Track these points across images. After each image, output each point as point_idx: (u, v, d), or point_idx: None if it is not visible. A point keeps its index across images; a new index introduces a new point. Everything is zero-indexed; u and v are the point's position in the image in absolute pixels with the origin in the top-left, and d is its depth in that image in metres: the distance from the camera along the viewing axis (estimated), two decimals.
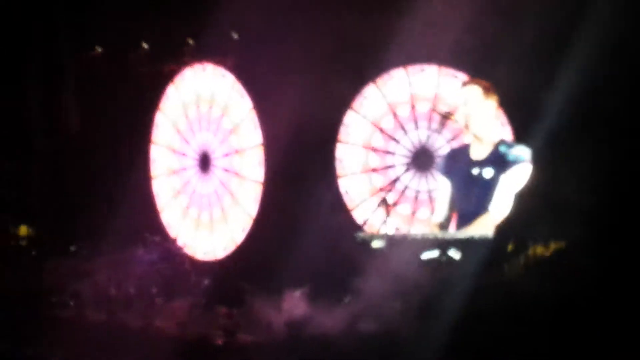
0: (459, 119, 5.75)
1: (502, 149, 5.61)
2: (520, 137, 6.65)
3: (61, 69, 10.37)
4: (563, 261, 5.03)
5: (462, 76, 7.55)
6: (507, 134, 7.10)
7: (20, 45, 9.97)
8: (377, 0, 7.90)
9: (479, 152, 5.68)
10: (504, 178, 5.48)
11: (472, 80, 5.89)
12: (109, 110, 9.94)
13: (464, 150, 5.84)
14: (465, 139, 6.02)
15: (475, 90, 5.69)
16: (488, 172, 5.58)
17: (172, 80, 9.70)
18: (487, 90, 5.70)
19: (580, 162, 6.09)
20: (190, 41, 9.37)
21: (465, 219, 5.59)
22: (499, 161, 5.56)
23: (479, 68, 7.24)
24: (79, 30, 9.89)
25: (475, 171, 5.63)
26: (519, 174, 5.49)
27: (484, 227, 5.40)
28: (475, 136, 5.68)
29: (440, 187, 5.90)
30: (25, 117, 10.32)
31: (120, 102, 9.81)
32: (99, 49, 9.96)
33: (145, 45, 9.64)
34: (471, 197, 5.60)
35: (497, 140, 5.67)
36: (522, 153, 5.55)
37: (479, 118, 5.65)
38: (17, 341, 6.65)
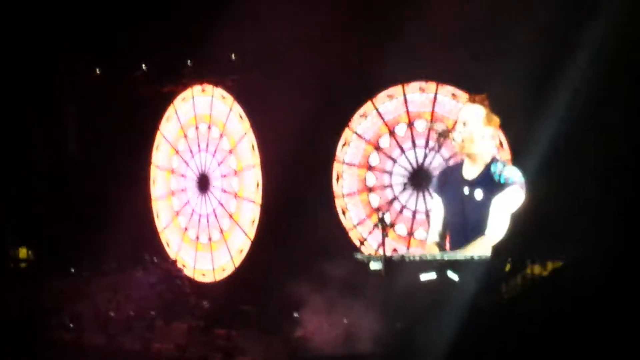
0: (455, 136, 5.70)
1: (493, 168, 5.56)
2: (518, 155, 6.65)
3: (61, 92, 10.40)
4: (561, 281, 5.00)
5: (461, 94, 7.54)
6: (505, 153, 7.10)
7: (21, 68, 10.00)
8: (376, 19, 7.92)
9: (470, 172, 5.64)
10: (495, 201, 5.44)
11: (477, 98, 5.78)
12: (109, 132, 9.96)
13: (456, 168, 5.79)
14: (460, 157, 5.96)
15: (479, 112, 5.63)
16: (478, 194, 5.53)
17: (171, 102, 9.73)
18: (490, 116, 5.64)
19: (578, 180, 6.07)
20: (190, 62, 9.40)
21: (459, 239, 5.56)
22: (490, 181, 5.50)
23: (477, 86, 7.24)
24: (79, 52, 9.93)
25: (466, 190, 5.59)
26: (510, 197, 5.43)
27: (480, 249, 5.36)
28: (468, 155, 5.65)
29: (434, 205, 5.87)
30: (25, 140, 10.33)
31: (120, 123, 9.83)
32: (99, 71, 9.99)
33: (144, 67, 9.67)
34: (463, 216, 5.56)
35: (489, 159, 5.63)
36: (513, 175, 5.48)
37: (476, 140, 5.61)
38: None
